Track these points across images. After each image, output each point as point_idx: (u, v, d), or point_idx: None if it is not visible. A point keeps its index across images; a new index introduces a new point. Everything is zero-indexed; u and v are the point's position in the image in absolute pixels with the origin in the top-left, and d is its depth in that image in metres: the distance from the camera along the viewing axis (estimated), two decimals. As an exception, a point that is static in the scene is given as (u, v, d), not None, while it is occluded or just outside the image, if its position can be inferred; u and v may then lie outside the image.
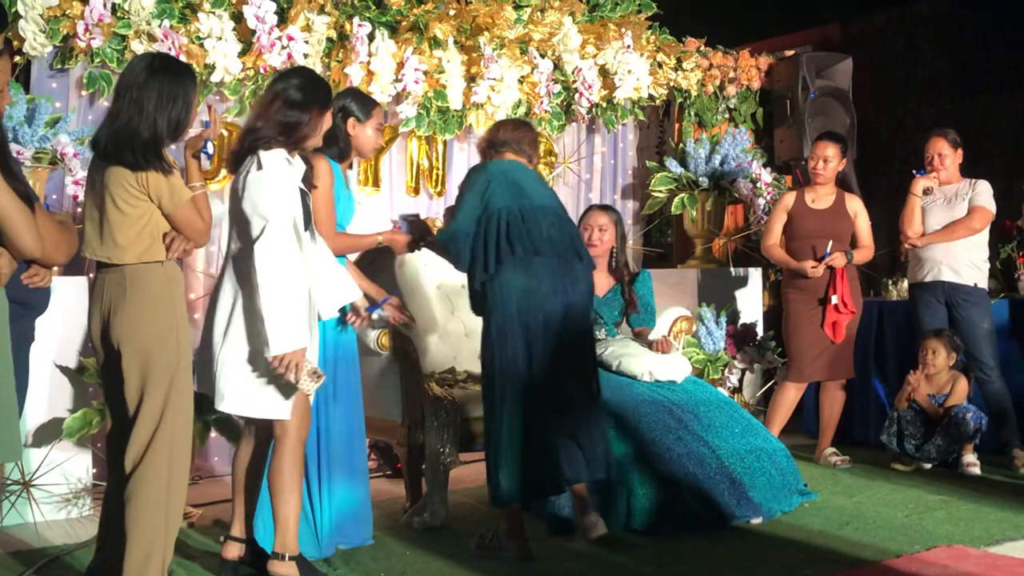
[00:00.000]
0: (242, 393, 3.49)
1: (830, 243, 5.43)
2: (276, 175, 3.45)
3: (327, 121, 3.70)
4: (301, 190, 3.58)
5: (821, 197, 5.61)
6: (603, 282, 5.13)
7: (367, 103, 4.20)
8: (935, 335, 5.53)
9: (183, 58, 5.03)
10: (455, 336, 5.46)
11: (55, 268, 3.32)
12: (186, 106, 3.24)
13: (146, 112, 3.17)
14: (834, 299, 5.45)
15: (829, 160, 5.56)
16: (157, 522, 3.19)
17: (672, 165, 6.66)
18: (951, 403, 5.47)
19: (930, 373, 5.53)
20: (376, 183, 5.95)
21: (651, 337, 4.97)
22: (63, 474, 4.61)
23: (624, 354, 4.84)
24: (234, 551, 3.78)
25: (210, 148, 3.42)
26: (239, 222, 3.49)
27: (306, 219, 3.60)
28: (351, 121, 4.09)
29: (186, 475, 3.32)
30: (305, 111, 3.56)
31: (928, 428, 5.49)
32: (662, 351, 4.89)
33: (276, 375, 3.44)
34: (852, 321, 5.56)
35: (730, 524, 4.34)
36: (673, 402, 4.67)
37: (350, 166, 4.34)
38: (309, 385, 3.47)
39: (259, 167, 3.45)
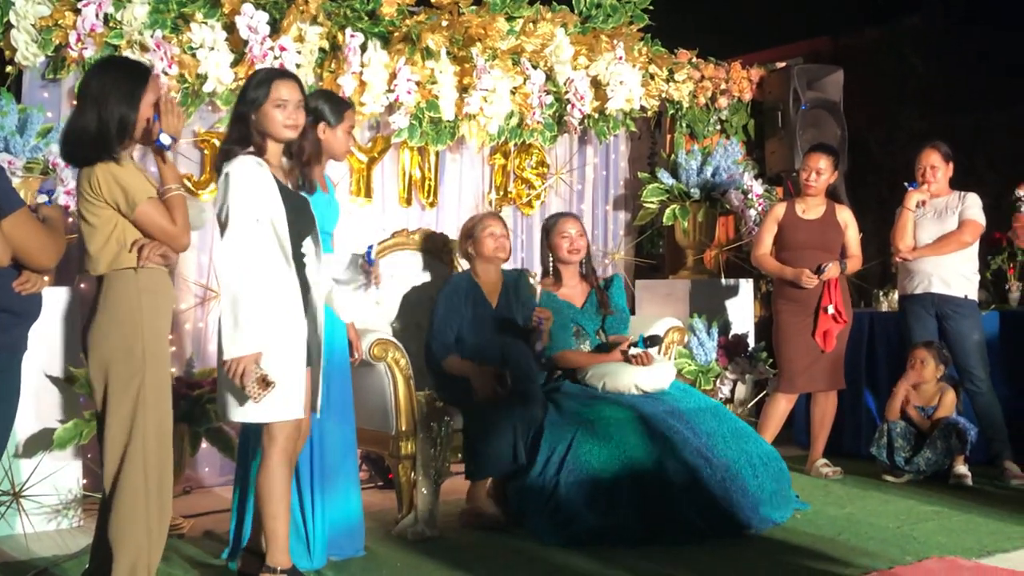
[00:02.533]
0: (226, 399, 3.48)
1: (830, 264, 5.44)
2: (236, 178, 3.41)
3: (273, 118, 3.51)
4: (295, 195, 3.57)
5: (811, 208, 5.63)
6: (578, 292, 5.16)
7: (339, 106, 4.14)
8: (925, 346, 5.55)
9: (175, 69, 5.03)
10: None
11: (47, 274, 3.31)
12: (132, 101, 3.19)
13: (93, 109, 3.18)
14: (830, 308, 5.46)
15: (822, 172, 5.57)
16: (139, 533, 3.18)
17: (664, 176, 6.67)
18: (939, 415, 5.49)
19: (918, 383, 5.54)
20: (368, 193, 5.95)
21: (633, 352, 4.95)
22: (53, 485, 4.58)
23: (606, 373, 4.85)
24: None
25: (165, 140, 3.24)
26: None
27: (305, 225, 3.58)
28: (321, 126, 4.03)
29: (168, 486, 3.28)
30: (244, 112, 3.56)
31: (918, 440, 5.50)
32: (643, 364, 4.89)
33: (288, 379, 3.43)
34: (843, 331, 5.58)
35: (726, 535, 4.34)
36: (664, 412, 4.67)
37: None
38: (257, 393, 3.35)
39: (221, 173, 3.46)
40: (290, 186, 3.61)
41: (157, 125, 3.25)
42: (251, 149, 3.51)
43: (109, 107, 3.18)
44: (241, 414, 3.48)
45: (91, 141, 3.18)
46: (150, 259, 3.20)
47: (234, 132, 3.56)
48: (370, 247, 3.92)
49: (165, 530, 3.29)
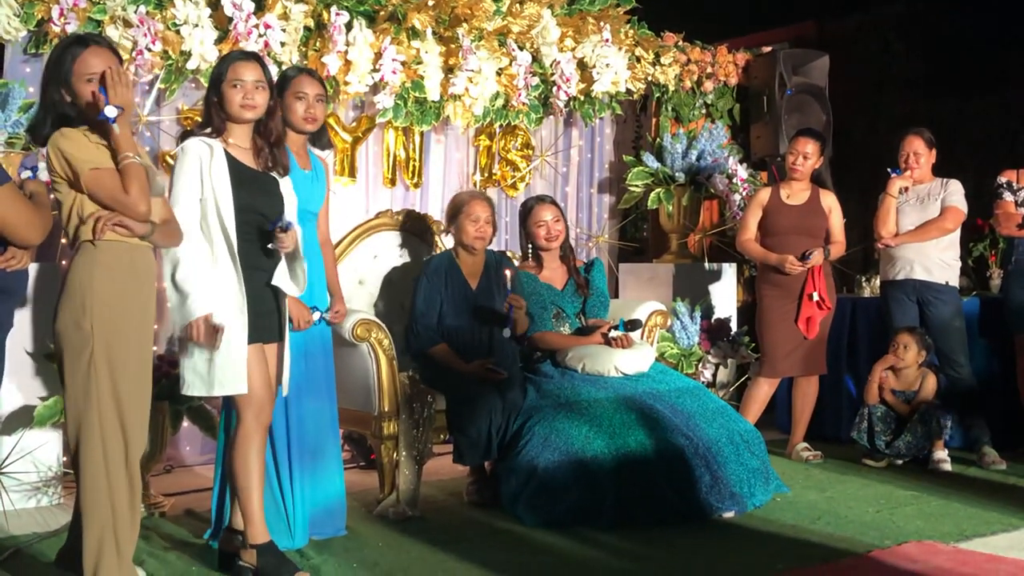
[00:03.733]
0: (180, 375, 3.52)
1: (816, 251, 5.45)
2: (180, 158, 3.51)
3: (230, 99, 3.56)
4: (257, 175, 3.58)
5: (796, 193, 5.64)
6: (559, 275, 5.17)
7: (285, 75, 4.17)
8: (908, 331, 5.57)
9: (158, 45, 4.99)
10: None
11: (31, 250, 3.29)
12: (61, 71, 3.17)
13: (40, 94, 3.25)
14: (815, 295, 5.48)
15: (808, 156, 5.58)
16: (103, 508, 3.16)
17: (649, 160, 6.67)
18: (920, 399, 5.52)
19: (899, 367, 5.57)
20: (352, 174, 5.92)
21: (613, 334, 4.96)
22: (33, 462, 4.57)
23: (587, 355, 4.86)
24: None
25: (110, 112, 3.13)
26: None
27: (266, 204, 3.58)
28: (275, 101, 3.84)
29: (134, 460, 3.24)
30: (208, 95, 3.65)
31: (898, 424, 5.53)
32: (623, 347, 4.90)
33: (225, 351, 3.44)
34: (826, 318, 5.60)
35: (707, 516, 4.36)
36: (645, 393, 4.68)
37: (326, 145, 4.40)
38: (214, 342, 3.42)
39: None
40: (257, 167, 3.61)
41: (103, 97, 3.16)
42: (208, 130, 3.56)
43: (49, 83, 3.20)
44: (187, 388, 3.51)
45: (39, 123, 3.20)
46: (106, 231, 3.13)
47: (202, 115, 3.67)
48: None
49: (136, 505, 3.27)
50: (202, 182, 3.48)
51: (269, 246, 3.53)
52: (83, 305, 3.13)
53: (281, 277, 3.60)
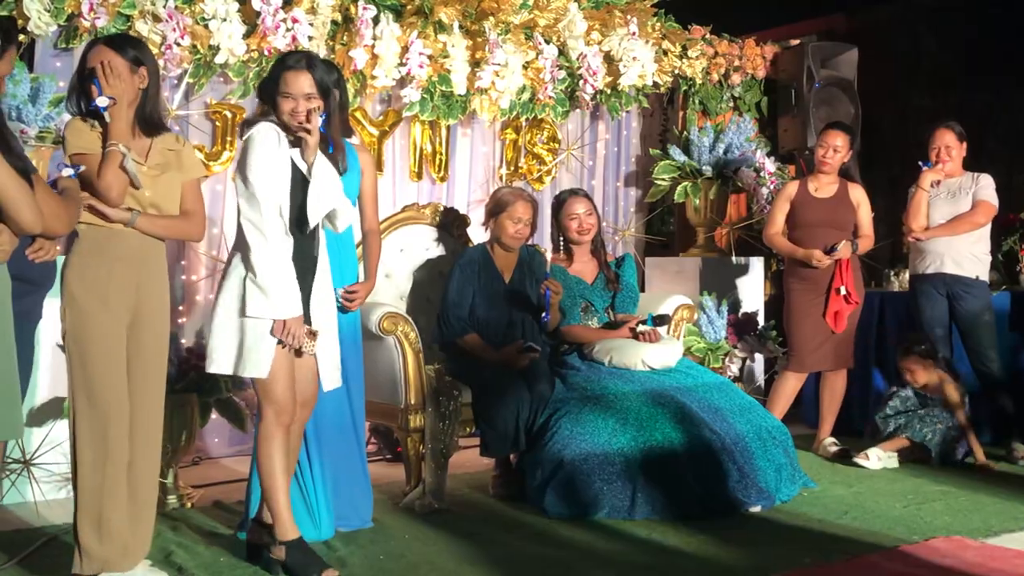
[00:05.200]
0: (224, 354, 3.50)
1: (843, 243, 5.42)
2: (256, 143, 3.46)
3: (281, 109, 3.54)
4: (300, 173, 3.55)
5: (824, 186, 5.60)
6: (589, 268, 5.16)
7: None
8: (904, 355, 5.52)
9: (187, 39, 5.02)
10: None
11: (59, 241, 3.31)
12: (77, 78, 3.35)
13: None
14: (842, 289, 5.44)
15: (838, 150, 5.54)
16: (82, 488, 3.26)
17: (675, 153, 6.65)
18: (950, 403, 5.42)
19: (918, 387, 5.52)
20: (379, 167, 5.93)
21: (641, 328, 4.96)
22: (63, 453, 4.59)
23: (614, 348, 4.85)
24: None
25: (101, 102, 3.27)
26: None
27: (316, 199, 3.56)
28: None
29: (111, 449, 3.27)
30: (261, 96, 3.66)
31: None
32: (651, 341, 4.90)
33: (255, 336, 3.44)
34: (854, 312, 5.56)
35: (734, 511, 4.35)
36: (672, 388, 4.67)
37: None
38: (310, 346, 3.51)
39: (242, 137, 3.58)
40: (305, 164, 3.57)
41: (95, 89, 3.28)
42: (273, 118, 3.54)
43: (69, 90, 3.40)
44: (212, 364, 3.52)
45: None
46: (81, 214, 3.21)
47: (260, 107, 3.63)
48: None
49: (120, 479, 3.30)
50: (272, 171, 3.45)
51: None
52: (61, 292, 3.27)
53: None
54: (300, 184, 3.51)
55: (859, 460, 5.30)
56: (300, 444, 3.83)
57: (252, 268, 3.42)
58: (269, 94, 3.56)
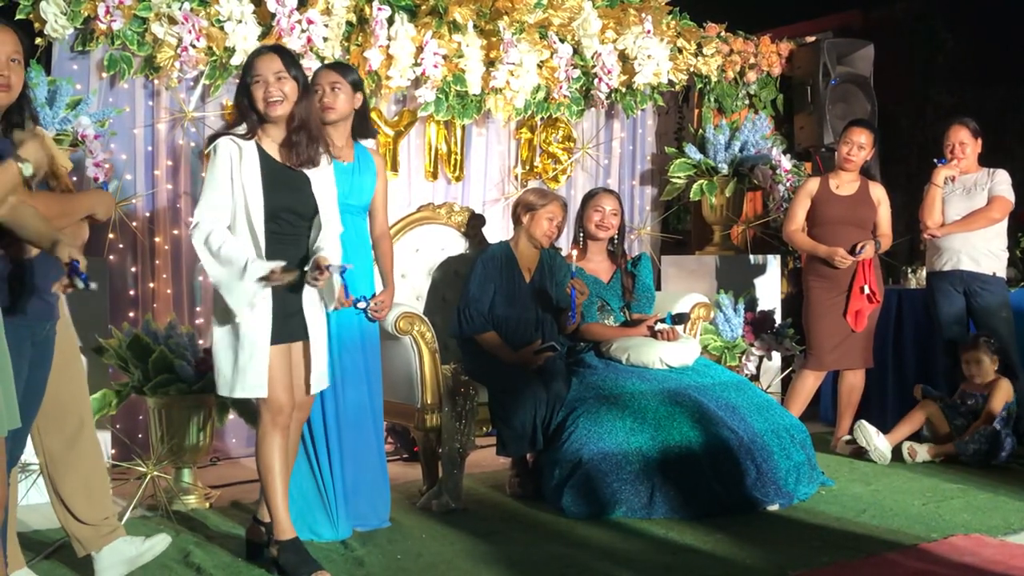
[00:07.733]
0: (222, 375, 3.55)
1: (867, 244, 5.39)
2: (212, 158, 3.53)
3: (254, 96, 3.54)
4: (286, 171, 3.56)
5: (845, 184, 5.58)
6: (605, 267, 5.16)
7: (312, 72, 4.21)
8: (973, 347, 5.45)
9: (203, 41, 5.04)
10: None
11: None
12: None
13: None
14: (865, 288, 5.41)
15: (863, 147, 5.51)
16: None
17: (691, 151, 6.64)
18: (987, 411, 5.34)
19: (977, 381, 5.46)
20: (394, 167, 5.95)
21: (659, 326, 4.95)
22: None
23: (631, 346, 4.85)
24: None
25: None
26: None
27: (296, 201, 3.57)
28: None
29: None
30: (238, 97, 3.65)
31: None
32: (669, 339, 4.89)
33: (247, 356, 3.46)
34: (874, 311, 5.54)
35: (752, 509, 4.35)
36: (690, 387, 4.67)
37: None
38: (281, 276, 3.41)
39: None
40: (290, 163, 3.57)
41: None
42: (239, 129, 3.55)
43: None
44: (217, 387, 3.57)
45: None
46: None
47: (234, 116, 3.69)
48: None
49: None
50: (232, 182, 3.48)
51: (306, 270, 3.53)
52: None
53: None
54: (279, 175, 3.54)
55: (907, 455, 5.32)
56: (298, 444, 3.86)
57: (208, 277, 3.51)
58: (244, 93, 3.57)
